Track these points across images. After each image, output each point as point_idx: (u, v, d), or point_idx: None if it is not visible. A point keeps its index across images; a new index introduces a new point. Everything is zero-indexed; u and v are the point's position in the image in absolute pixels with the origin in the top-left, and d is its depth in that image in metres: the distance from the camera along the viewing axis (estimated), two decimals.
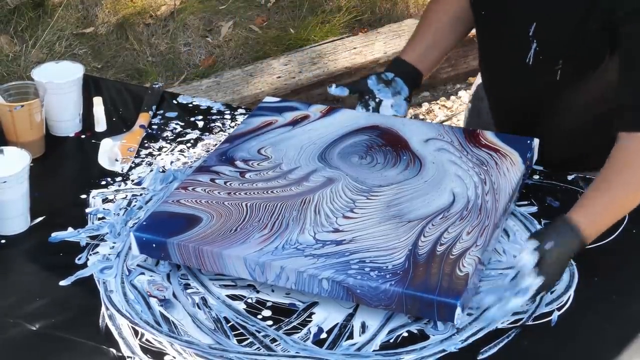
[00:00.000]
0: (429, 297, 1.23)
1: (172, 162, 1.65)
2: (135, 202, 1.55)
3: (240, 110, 1.82)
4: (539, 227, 1.46)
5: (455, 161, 1.52)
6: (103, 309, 1.31)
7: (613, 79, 1.46)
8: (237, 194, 1.43)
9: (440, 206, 1.40)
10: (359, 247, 1.31)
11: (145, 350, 1.25)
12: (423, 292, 1.23)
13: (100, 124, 1.77)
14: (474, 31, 1.71)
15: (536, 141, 1.57)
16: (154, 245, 1.34)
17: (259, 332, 1.28)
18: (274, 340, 1.26)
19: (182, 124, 1.78)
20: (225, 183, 1.45)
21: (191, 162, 1.65)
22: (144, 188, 1.59)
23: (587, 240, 1.34)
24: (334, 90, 1.66)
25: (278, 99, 1.71)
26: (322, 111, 1.65)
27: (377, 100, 1.65)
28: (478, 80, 1.88)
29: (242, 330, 1.28)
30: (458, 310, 1.22)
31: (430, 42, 1.71)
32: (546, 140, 1.60)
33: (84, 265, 1.40)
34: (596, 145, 1.51)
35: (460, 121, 3.23)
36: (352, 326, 1.29)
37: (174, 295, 1.34)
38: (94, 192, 1.57)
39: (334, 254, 1.30)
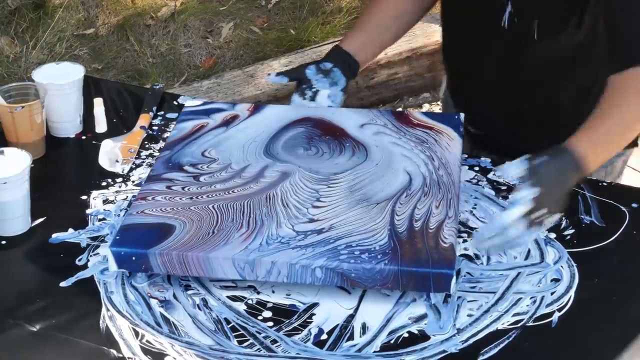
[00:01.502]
0: (425, 270, 1.27)
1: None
2: None
3: None
4: None
5: (397, 142, 1.56)
6: (104, 310, 1.31)
7: (586, 38, 1.49)
8: (199, 197, 1.43)
9: (400, 186, 1.45)
10: (341, 233, 1.34)
11: (145, 351, 1.25)
12: (418, 267, 1.27)
13: (101, 125, 1.77)
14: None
15: (462, 115, 1.63)
16: (133, 258, 1.32)
17: (260, 333, 1.28)
18: (274, 341, 1.26)
19: None
20: (183, 189, 1.45)
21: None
22: None
23: (588, 164, 1.34)
24: (273, 78, 1.67)
25: (200, 102, 1.71)
26: (248, 109, 1.66)
27: (314, 89, 1.66)
28: (440, 92, 1.90)
29: (242, 332, 1.28)
30: (453, 279, 1.26)
31: (371, 35, 1.72)
32: (523, 118, 1.64)
33: (85, 266, 1.40)
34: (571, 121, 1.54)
35: None
36: (353, 327, 1.29)
37: (174, 296, 1.34)
38: (94, 193, 1.57)
39: (320, 243, 1.31)
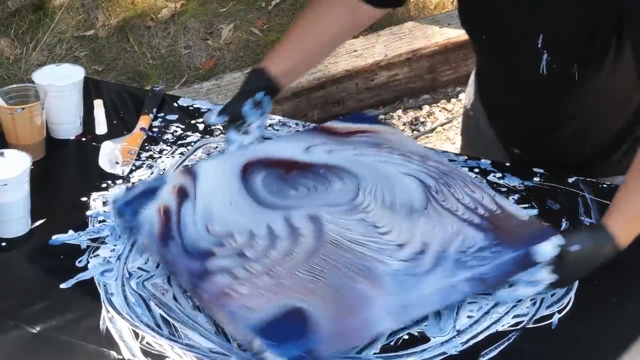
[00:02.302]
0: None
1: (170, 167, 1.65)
2: None
3: None
4: None
5: (357, 153, 1.53)
6: (104, 311, 1.31)
7: (629, 72, 1.45)
8: (275, 271, 1.28)
9: (420, 188, 1.44)
10: (440, 246, 1.31)
11: (145, 353, 1.25)
12: (534, 243, 1.30)
13: (101, 127, 1.77)
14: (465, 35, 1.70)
15: (374, 114, 1.65)
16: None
17: None
18: None
19: (183, 126, 1.78)
20: (248, 272, 1.28)
21: (192, 164, 1.64)
22: None
23: (623, 245, 1.31)
24: (214, 120, 1.57)
25: (121, 192, 1.45)
26: (182, 173, 1.48)
27: (248, 123, 1.59)
28: (465, 101, 1.89)
29: None
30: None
31: (302, 59, 1.68)
32: (560, 147, 1.64)
33: (85, 268, 1.40)
34: (608, 149, 1.57)
35: (460, 123, 3.23)
36: None
37: (174, 298, 1.34)
38: (94, 194, 1.57)
39: (437, 261, 1.28)
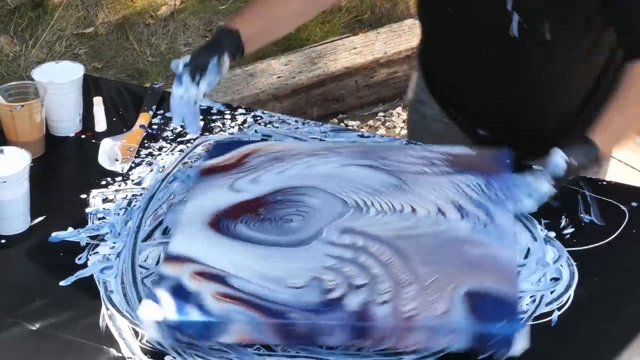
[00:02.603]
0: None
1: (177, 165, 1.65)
2: (135, 202, 1.55)
3: (240, 110, 1.82)
4: (539, 227, 1.46)
5: (278, 172, 1.50)
6: (103, 309, 1.31)
7: (603, 37, 1.55)
8: (409, 280, 1.26)
9: (368, 168, 1.48)
10: (464, 198, 1.40)
11: (145, 351, 1.25)
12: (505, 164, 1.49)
13: (100, 124, 1.77)
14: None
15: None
16: None
17: None
18: None
19: (183, 124, 1.78)
20: (386, 293, 1.23)
21: (191, 162, 1.64)
22: (144, 188, 1.59)
23: (604, 157, 1.49)
24: (180, 69, 1.53)
25: (169, 308, 1.23)
26: (178, 266, 1.30)
27: (203, 76, 1.53)
28: (410, 95, 1.89)
29: None
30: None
31: (269, 26, 1.67)
32: (531, 120, 1.67)
33: (84, 265, 1.40)
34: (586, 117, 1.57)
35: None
36: None
37: None
38: (94, 192, 1.57)
39: (482, 209, 1.38)
